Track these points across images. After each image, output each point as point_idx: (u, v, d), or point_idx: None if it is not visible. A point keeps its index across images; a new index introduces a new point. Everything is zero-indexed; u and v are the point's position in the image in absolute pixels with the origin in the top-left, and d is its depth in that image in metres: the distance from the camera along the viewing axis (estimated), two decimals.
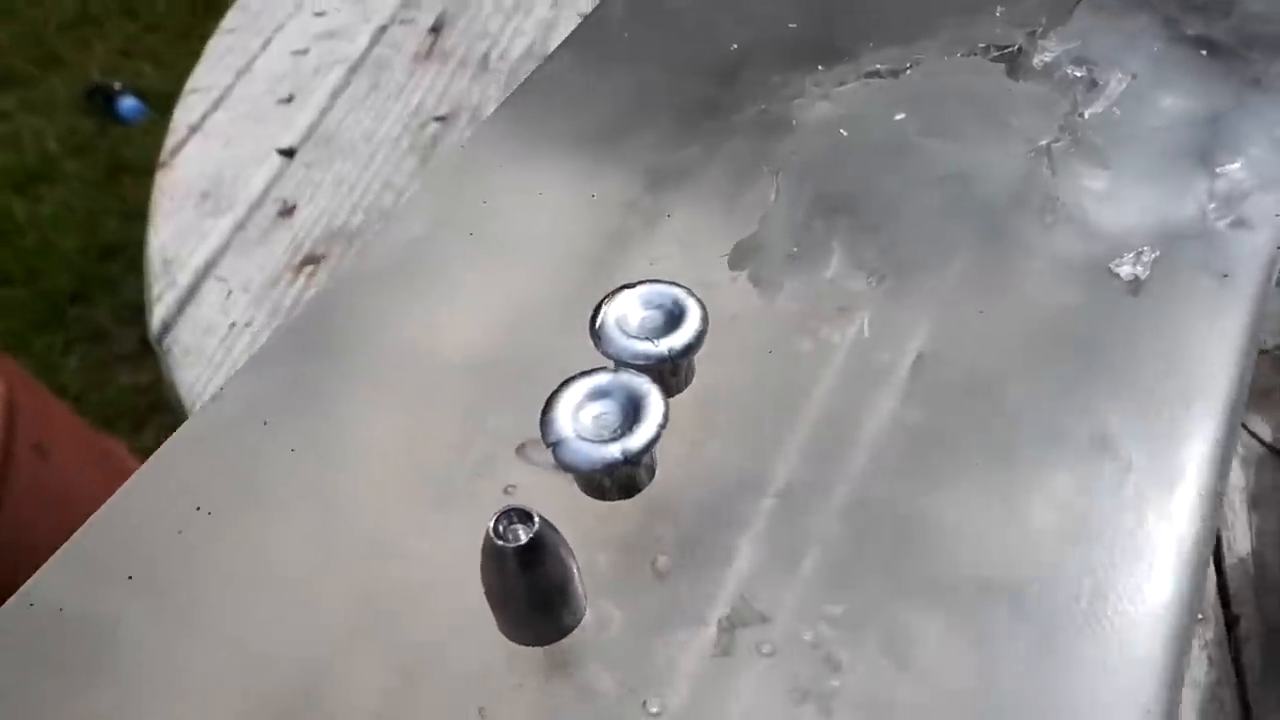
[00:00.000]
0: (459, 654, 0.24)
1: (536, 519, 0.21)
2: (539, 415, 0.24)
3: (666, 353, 0.24)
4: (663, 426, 0.23)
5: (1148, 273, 0.29)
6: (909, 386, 0.28)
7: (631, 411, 0.23)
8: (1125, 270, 0.29)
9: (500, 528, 0.21)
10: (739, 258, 0.32)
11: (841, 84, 0.38)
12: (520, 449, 0.28)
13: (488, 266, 0.32)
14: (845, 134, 0.36)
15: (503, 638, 0.23)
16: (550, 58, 0.41)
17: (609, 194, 0.34)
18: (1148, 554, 0.24)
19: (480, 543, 0.21)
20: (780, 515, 0.26)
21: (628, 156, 0.35)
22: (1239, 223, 0.31)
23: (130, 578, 0.25)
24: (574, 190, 0.34)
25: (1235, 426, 0.26)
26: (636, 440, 0.23)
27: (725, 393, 0.28)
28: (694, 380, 0.27)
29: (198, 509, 0.26)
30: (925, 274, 0.32)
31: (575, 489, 0.25)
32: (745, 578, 0.25)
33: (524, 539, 0.21)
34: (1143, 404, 0.27)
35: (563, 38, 0.42)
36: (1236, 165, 0.33)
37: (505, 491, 0.27)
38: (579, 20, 0.43)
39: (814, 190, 0.34)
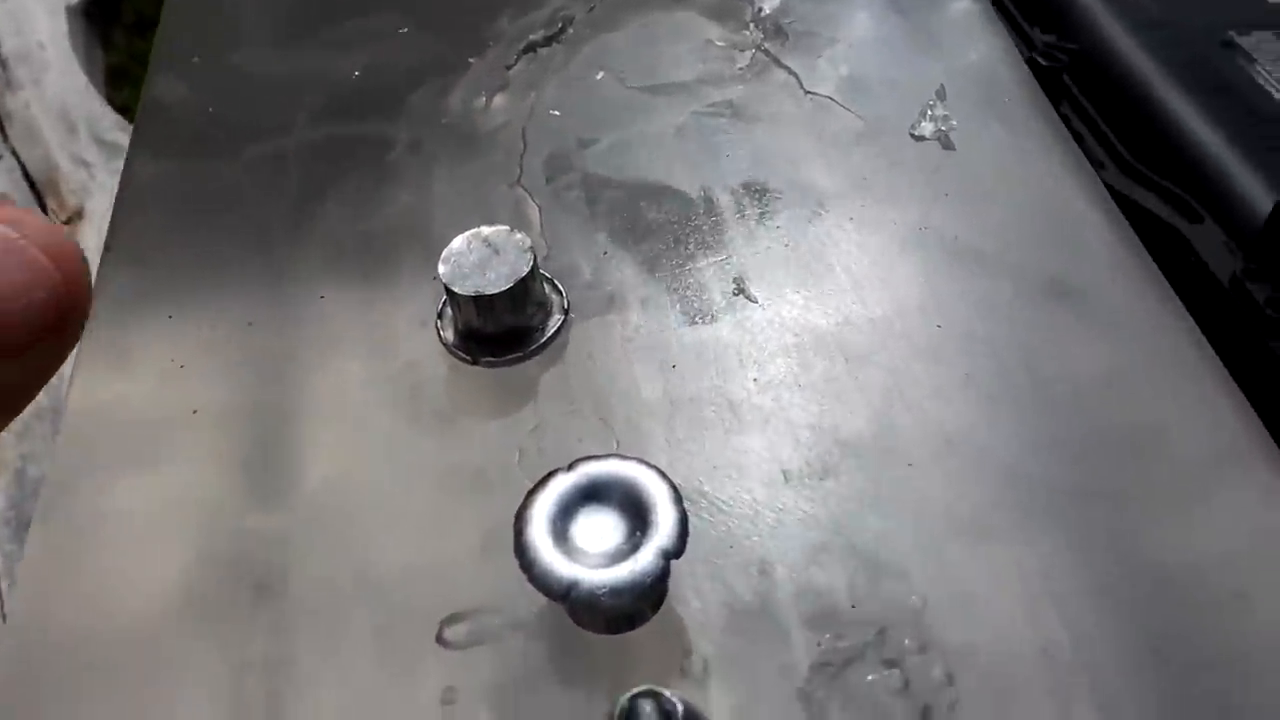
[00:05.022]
0: None
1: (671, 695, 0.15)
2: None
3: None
4: (679, 501, 0.17)
5: (948, 123, 0.27)
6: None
7: (632, 509, 0.17)
8: (926, 128, 0.27)
9: None
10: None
11: (508, 67, 0.33)
12: (439, 636, 0.21)
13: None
14: (556, 114, 0.30)
15: None
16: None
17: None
18: None
19: None
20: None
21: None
22: (968, 46, 0.29)
23: None
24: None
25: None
26: (665, 530, 0.17)
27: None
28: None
29: None
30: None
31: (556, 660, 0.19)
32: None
33: None
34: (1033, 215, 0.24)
35: None
36: None
37: (444, 703, 0.20)
38: None
39: (604, 200, 0.28)
